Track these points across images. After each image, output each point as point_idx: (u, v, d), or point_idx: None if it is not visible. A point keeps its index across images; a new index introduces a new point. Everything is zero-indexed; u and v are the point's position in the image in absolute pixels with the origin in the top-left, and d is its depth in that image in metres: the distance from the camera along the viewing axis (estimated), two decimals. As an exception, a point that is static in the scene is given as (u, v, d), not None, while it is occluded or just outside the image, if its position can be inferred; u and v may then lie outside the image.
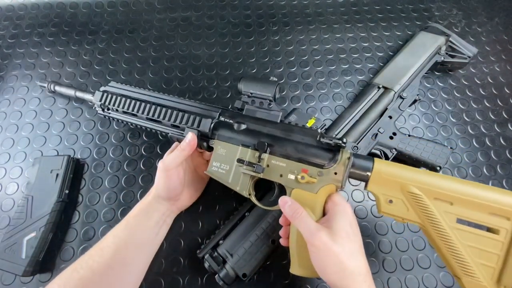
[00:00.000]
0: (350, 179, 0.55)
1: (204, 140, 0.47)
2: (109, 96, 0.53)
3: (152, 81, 0.67)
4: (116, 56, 0.70)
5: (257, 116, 0.46)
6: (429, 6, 0.80)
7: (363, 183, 0.42)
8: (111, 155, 0.58)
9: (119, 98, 0.52)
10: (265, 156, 0.43)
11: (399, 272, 0.50)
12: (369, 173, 0.40)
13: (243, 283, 0.46)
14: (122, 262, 0.43)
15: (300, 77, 0.68)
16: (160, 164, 0.45)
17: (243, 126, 0.45)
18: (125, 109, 0.52)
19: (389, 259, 0.50)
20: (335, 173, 0.41)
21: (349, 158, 0.40)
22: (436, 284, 0.49)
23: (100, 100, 0.53)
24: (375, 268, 0.50)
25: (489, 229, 0.37)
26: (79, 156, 0.58)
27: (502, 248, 0.36)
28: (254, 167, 0.42)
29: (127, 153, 0.59)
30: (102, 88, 0.55)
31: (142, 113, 0.51)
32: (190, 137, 0.45)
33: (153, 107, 0.50)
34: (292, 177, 0.42)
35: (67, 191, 0.53)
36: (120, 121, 0.55)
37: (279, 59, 0.70)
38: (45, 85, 0.61)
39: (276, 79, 0.46)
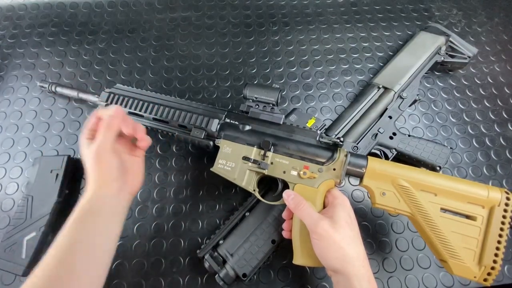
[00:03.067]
0: (351, 181, 0.56)
1: (210, 140, 0.49)
2: (116, 96, 0.54)
3: (152, 81, 0.67)
4: (116, 56, 0.70)
5: (261, 118, 0.49)
6: (429, 6, 0.80)
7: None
8: (111, 155, 0.58)
9: (126, 98, 0.53)
10: (270, 154, 0.46)
11: (399, 272, 0.50)
12: (364, 169, 0.44)
13: (243, 283, 0.47)
14: (69, 271, 0.35)
15: (300, 77, 0.68)
16: (88, 152, 0.38)
17: (248, 127, 0.49)
18: (132, 110, 0.53)
19: (389, 259, 0.50)
20: (334, 169, 0.45)
21: (346, 156, 0.45)
22: (436, 284, 0.49)
23: (106, 101, 0.54)
24: (375, 268, 0.50)
25: (468, 217, 0.42)
26: (79, 156, 0.58)
27: (480, 233, 0.41)
28: (259, 164, 0.46)
29: (127, 153, 0.59)
30: (107, 90, 0.55)
31: (150, 113, 0.52)
32: (115, 109, 0.40)
33: (161, 107, 0.51)
34: (294, 173, 0.45)
35: (67, 191, 0.53)
36: None
37: (279, 59, 0.70)
38: (46, 86, 0.61)
39: (279, 86, 0.48)
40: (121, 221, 0.41)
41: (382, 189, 0.43)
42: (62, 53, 0.71)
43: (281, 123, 0.49)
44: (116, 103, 0.53)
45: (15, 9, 0.77)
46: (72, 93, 0.59)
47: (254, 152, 0.46)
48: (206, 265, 0.46)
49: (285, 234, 0.45)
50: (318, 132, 0.48)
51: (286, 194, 0.43)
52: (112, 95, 0.54)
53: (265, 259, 0.46)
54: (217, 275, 0.45)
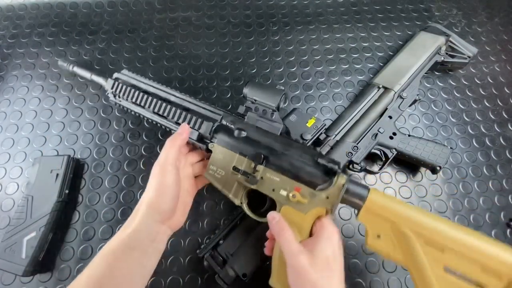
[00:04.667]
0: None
1: (203, 143, 0.47)
2: (120, 85, 0.54)
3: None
4: (116, 56, 0.70)
5: (258, 126, 0.46)
6: (429, 6, 0.80)
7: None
8: (111, 155, 0.58)
9: (128, 88, 0.53)
10: (261, 168, 0.42)
11: (399, 272, 0.50)
12: (362, 202, 0.38)
13: (243, 283, 0.46)
14: None
15: (300, 77, 0.68)
16: (156, 166, 0.41)
17: (243, 134, 0.45)
18: (133, 100, 0.53)
19: (389, 259, 0.50)
20: (327, 197, 0.39)
21: (343, 185, 0.39)
22: (436, 284, 0.49)
23: (112, 88, 0.54)
24: (375, 268, 0.50)
25: (477, 285, 0.33)
26: (79, 156, 0.58)
27: None
28: (248, 177, 0.42)
29: (127, 153, 0.59)
30: (115, 75, 0.55)
31: (149, 107, 0.52)
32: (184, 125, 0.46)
33: (159, 102, 0.51)
34: (284, 193, 0.41)
35: (67, 191, 0.53)
36: (129, 110, 0.55)
37: (279, 59, 0.70)
38: (65, 64, 0.62)
39: (283, 88, 0.45)
40: (157, 258, 0.41)
41: (378, 230, 0.37)
42: (62, 53, 0.71)
43: (279, 133, 0.45)
44: (119, 92, 0.54)
45: (15, 9, 0.77)
46: (86, 74, 0.60)
47: (245, 163, 0.43)
48: (206, 265, 0.46)
49: (266, 251, 0.43)
50: (318, 150, 0.45)
51: (270, 216, 0.40)
52: (117, 82, 0.54)
53: (265, 259, 0.46)
54: (217, 275, 0.45)
